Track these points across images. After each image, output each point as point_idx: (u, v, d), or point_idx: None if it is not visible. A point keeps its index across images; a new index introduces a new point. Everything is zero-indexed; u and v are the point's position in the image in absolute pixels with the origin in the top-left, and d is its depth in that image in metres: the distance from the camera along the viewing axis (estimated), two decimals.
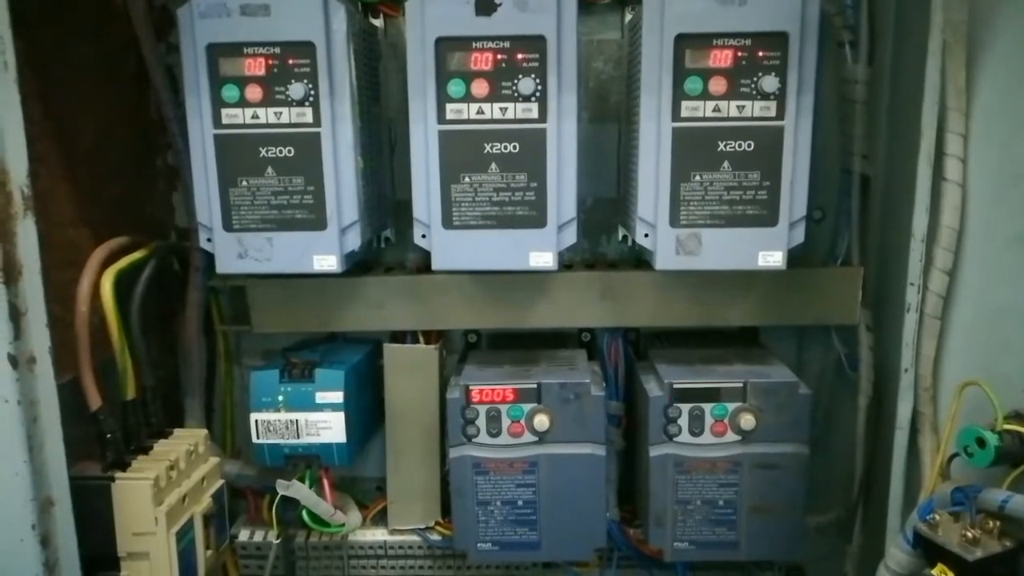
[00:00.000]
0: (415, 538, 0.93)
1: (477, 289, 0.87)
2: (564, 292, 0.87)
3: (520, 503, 0.79)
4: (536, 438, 0.78)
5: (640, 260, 0.91)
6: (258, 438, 0.83)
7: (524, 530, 0.79)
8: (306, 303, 0.88)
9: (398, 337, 0.91)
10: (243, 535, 0.93)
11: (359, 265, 0.89)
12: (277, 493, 0.83)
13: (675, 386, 0.77)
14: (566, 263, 0.91)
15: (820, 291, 0.86)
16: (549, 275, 0.87)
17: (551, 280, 0.87)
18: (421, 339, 0.91)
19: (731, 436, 0.77)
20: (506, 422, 0.78)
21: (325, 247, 0.77)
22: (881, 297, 0.87)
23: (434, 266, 0.77)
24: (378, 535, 0.94)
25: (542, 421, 0.77)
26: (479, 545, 0.80)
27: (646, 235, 0.76)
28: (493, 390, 0.78)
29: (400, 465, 0.91)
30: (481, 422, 0.78)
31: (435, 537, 0.92)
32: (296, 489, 0.80)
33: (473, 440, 0.79)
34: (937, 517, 0.61)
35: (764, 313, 0.87)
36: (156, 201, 0.95)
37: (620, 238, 0.93)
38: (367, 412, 0.90)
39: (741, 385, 0.77)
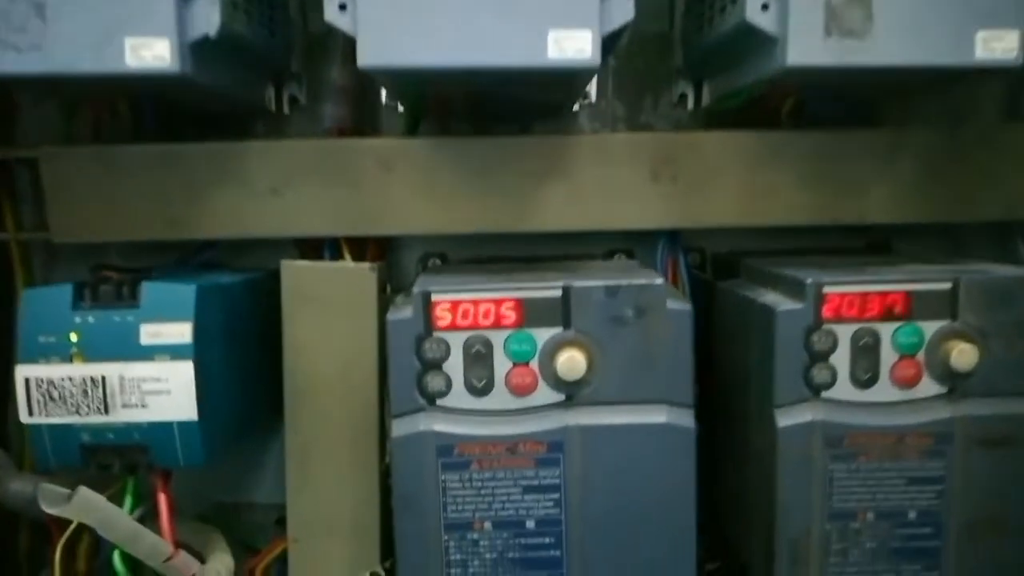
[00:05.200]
0: None
1: (444, 162, 0.51)
2: (593, 168, 0.51)
3: (530, 526, 0.41)
4: (561, 396, 0.41)
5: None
6: (32, 414, 0.44)
7: None
8: (143, 187, 0.50)
9: (308, 250, 0.54)
10: None
11: (240, 125, 0.52)
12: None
13: (826, 291, 0.40)
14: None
15: (1005, 164, 0.52)
16: (567, 140, 0.52)
17: (572, 147, 0.52)
18: (347, 254, 0.53)
19: (930, 386, 0.41)
20: (502, 365, 0.41)
21: (148, 21, 0.40)
22: None
23: (361, 60, 0.40)
24: None
25: (573, 361, 0.40)
26: None
27: (764, 6, 0.41)
28: (476, 303, 0.40)
29: (310, 476, 0.52)
30: (454, 366, 0.41)
31: None
32: (81, 503, 0.40)
33: (438, 402, 0.41)
34: None
35: (918, 205, 0.52)
36: None
37: (676, 98, 0.57)
38: (247, 378, 0.52)
39: (949, 286, 0.41)
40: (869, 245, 0.58)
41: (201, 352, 0.45)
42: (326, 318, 0.52)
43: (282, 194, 0.52)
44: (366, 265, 0.52)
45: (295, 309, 0.52)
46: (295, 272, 0.52)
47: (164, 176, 0.52)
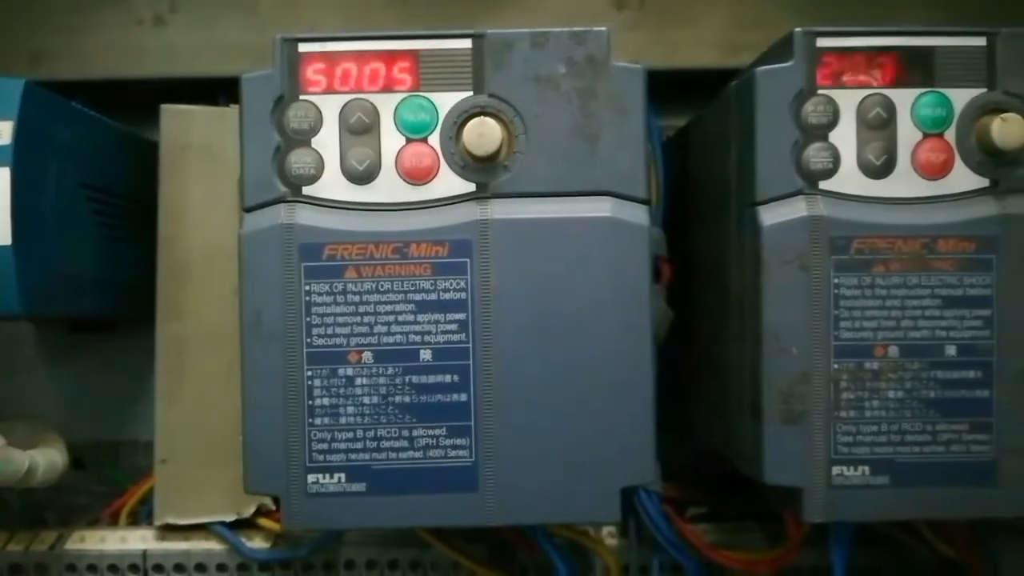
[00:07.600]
0: (212, 546, 0.42)
1: None
2: None
3: (426, 358, 0.30)
4: (470, 185, 0.30)
5: None
6: None
7: (436, 435, 0.30)
8: None
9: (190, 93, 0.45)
10: None
11: None
12: None
13: (820, 44, 0.30)
14: None
15: None
16: None
17: None
18: None
19: (966, 176, 0.31)
20: (392, 141, 0.31)
21: None
22: None
23: None
24: (133, 542, 0.43)
25: (485, 128, 0.30)
26: (311, 480, 0.30)
27: None
28: (353, 57, 0.30)
29: (186, 376, 0.42)
30: (328, 141, 0.30)
31: (255, 544, 0.41)
32: None
33: (304, 191, 0.30)
34: None
35: None
36: None
37: None
38: (109, 240, 0.42)
39: (984, 42, 0.31)
40: None
41: (27, 164, 0.35)
42: (215, 177, 0.42)
43: (167, 23, 0.43)
44: None
45: (176, 164, 0.42)
46: (178, 117, 0.42)
47: None
